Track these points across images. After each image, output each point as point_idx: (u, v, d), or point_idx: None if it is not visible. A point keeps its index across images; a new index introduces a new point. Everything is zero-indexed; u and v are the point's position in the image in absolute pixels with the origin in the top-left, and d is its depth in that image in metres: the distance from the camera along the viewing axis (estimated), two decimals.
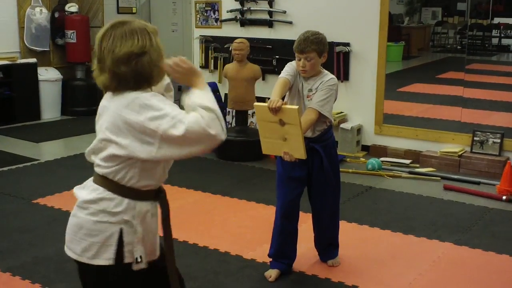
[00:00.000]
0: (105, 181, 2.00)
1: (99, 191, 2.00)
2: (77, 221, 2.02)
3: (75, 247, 2.02)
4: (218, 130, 1.90)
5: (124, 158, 1.96)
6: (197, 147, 1.91)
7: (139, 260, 2.01)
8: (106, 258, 1.98)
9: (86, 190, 2.04)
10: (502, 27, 11.37)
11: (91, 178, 2.09)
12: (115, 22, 2.02)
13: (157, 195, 2.07)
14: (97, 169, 2.02)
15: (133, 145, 1.92)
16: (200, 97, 1.96)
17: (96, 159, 2.03)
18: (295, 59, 3.29)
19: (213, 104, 1.93)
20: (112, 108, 1.97)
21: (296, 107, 2.97)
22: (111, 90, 2.01)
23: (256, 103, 3.10)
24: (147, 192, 2.03)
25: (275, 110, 2.93)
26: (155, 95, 1.96)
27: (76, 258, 2.03)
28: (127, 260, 2.00)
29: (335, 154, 3.44)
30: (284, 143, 3.02)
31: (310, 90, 3.25)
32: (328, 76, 3.28)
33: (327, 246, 3.59)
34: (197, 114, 1.89)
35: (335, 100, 3.31)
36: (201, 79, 2.03)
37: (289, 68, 3.28)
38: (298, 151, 3.01)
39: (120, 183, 1.99)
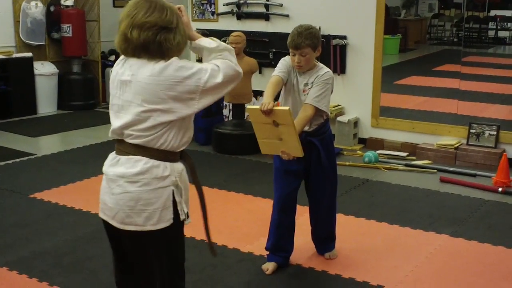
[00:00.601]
0: (145, 150, 2.11)
1: (144, 161, 2.10)
2: (131, 195, 2.10)
3: (136, 219, 2.11)
4: (239, 67, 2.18)
5: (167, 123, 2.09)
6: (230, 86, 2.17)
7: (188, 215, 2.22)
8: (167, 220, 2.14)
9: (126, 164, 2.12)
10: (498, 19, 11.37)
11: (115, 154, 2.17)
12: None
13: (181, 154, 2.23)
14: (135, 140, 2.11)
15: (176, 106, 2.06)
16: (213, 42, 2.18)
17: (132, 132, 2.10)
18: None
19: (226, 44, 2.20)
20: (143, 81, 2.06)
21: (287, 108, 2.98)
22: (122, 52, 2.13)
23: (248, 106, 3.12)
24: (178, 153, 2.19)
25: (267, 113, 2.94)
26: (178, 58, 2.11)
27: (139, 229, 2.12)
28: (181, 217, 2.18)
29: (332, 147, 3.44)
30: (281, 142, 3.04)
31: (306, 84, 3.24)
32: (323, 70, 3.26)
33: (324, 239, 3.60)
34: (222, 59, 2.14)
35: (331, 92, 3.31)
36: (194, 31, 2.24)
37: (282, 65, 3.26)
38: (295, 150, 3.04)
39: (160, 148, 2.11)
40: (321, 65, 3.32)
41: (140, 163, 2.10)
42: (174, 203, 2.15)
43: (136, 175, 2.09)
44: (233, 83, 2.17)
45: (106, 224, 2.23)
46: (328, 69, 3.29)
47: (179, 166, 2.19)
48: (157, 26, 2.03)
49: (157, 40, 2.03)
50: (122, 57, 2.19)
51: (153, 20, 2.03)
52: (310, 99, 3.18)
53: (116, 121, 2.14)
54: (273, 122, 2.97)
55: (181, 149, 2.19)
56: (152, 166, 2.10)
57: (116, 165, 2.15)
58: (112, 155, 2.20)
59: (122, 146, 2.15)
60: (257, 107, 2.98)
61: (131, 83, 2.08)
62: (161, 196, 2.11)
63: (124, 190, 2.11)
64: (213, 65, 2.11)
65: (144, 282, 2.22)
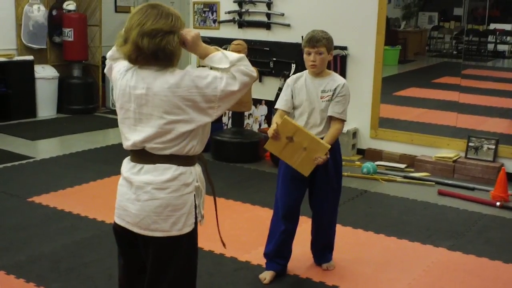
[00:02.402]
0: (173, 159, 2.14)
1: (174, 168, 2.13)
2: (160, 202, 2.13)
3: (162, 225, 2.14)
4: (254, 70, 2.17)
5: (189, 132, 2.11)
6: (244, 91, 2.17)
7: (203, 216, 2.28)
8: (190, 225, 2.19)
9: (154, 172, 2.13)
10: (498, 33, 11.41)
11: (135, 163, 2.17)
12: (151, 4, 2.11)
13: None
14: (162, 152, 2.13)
15: (196, 115, 2.09)
16: (224, 59, 2.13)
17: (156, 145, 2.13)
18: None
19: (238, 54, 2.17)
20: (161, 93, 2.08)
21: (286, 118, 3.12)
22: (132, 62, 2.12)
23: (265, 146, 3.24)
24: (198, 154, 2.23)
25: (276, 136, 3.07)
26: (193, 67, 2.15)
27: (165, 234, 2.15)
28: (198, 219, 2.24)
29: (339, 158, 3.48)
30: (308, 152, 3.11)
31: (324, 91, 3.30)
32: (342, 80, 3.34)
33: (323, 249, 3.60)
34: (236, 67, 2.12)
35: None
36: (204, 45, 2.18)
37: (284, 93, 3.37)
38: (320, 147, 3.10)
39: (187, 155, 2.15)
40: (335, 73, 3.42)
41: (170, 170, 2.13)
42: (194, 206, 2.20)
43: (165, 182, 2.12)
44: (248, 87, 2.19)
45: (121, 230, 2.23)
46: (344, 80, 3.37)
47: (198, 168, 2.23)
48: (163, 32, 2.05)
49: (163, 45, 2.05)
50: (126, 66, 2.17)
51: (160, 27, 2.04)
52: (337, 113, 3.28)
53: (135, 135, 2.14)
54: (287, 139, 3.08)
55: (200, 152, 2.24)
56: (181, 173, 2.14)
57: (139, 173, 2.15)
58: (130, 163, 2.20)
59: (144, 156, 2.15)
60: (269, 138, 3.13)
61: (147, 96, 2.09)
62: (187, 202, 2.16)
63: (152, 197, 2.13)
64: (230, 73, 2.11)
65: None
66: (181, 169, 2.14)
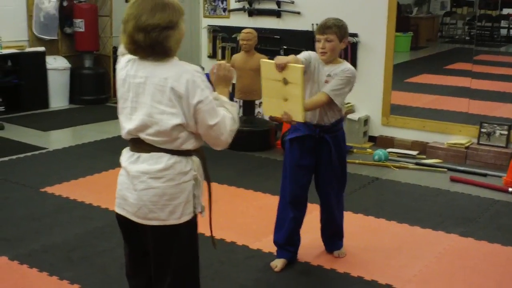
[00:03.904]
0: (168, 150, 2.14)
1: (167, 157, 2.13)
2: (156, 191, 2.13)
3: (159, 214, 2.15)
4: (230, 140, 2.19)
5: (180, 129, 2.11)
6: (208, 138, 2.16)
7: (203, 208, 2.27)
8: (188, 214, 2.19)
9: (149, 161, 2.14)
10: (511, 18, 11.27)
11: (133, 152, 2.18)
12: None
13: None
14: (156, 144, 2.13)
15: (182, 113, 2.09)
16: (229, 102, 2.22)
17: (147, 136, 2.13)
18: (301, 50, 3.31)
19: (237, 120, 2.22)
20: (158, 83, 2.09)
21: (301, 66, 3.02)
22: (131, 53, 2.14)
23: (262, 60, 3.13)
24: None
25: (281, 67, 2.98)
26: (199, 71, 2.13)
27: (162, 223, 2.16)
28: (197, 210, 2.23)
29: (343, 146, 3.45)
30: (285, 103, 3.04)
31: (329, 75, 3.24)
32: (349, 66, 3.29)
33: (332, 236, 3.61)
34: (228, 113, 2.17)
35: (350, 91, 3.32)
36: (227, 90, 2.29)
37: (303, 54, 3.29)
38: (297, 113, 3.04)
39: (184, 149, 2.16)
40: (347, 62, 3.36)
41: (164, 159, 2.13)
42: (193, 196, 2.20)
43: (160, 171, 2.12)
44: (218, 140, 2.16)
45: (123, 219, 2.25)
46: (353, 67, 3.31)
47: (196, 159, 2.23)
48: (160, 27, 2.04)
49: (160, 40, 2.05)
50: (128, 57, 2.19)
51: (156, 22, 2.04)
52: (328, 89, 3.19)
53: (130, 123, 2.16)
54: (284, 79, 3.00)
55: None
56: (175, 162, 2.13)
57: (137, 162, 2.16)
58: (129, 153, 2.22)
59: (141, 145, 2.16)
60: (272, 61, 3.03)
61: (145, 84, 2.11)
62: (184, 191, 2.16)
63: (148, 186, 2.13)
64: (220, 108, 2.15)
65: (162, 277, 2.24)
66: (175, 158, 2.14)
